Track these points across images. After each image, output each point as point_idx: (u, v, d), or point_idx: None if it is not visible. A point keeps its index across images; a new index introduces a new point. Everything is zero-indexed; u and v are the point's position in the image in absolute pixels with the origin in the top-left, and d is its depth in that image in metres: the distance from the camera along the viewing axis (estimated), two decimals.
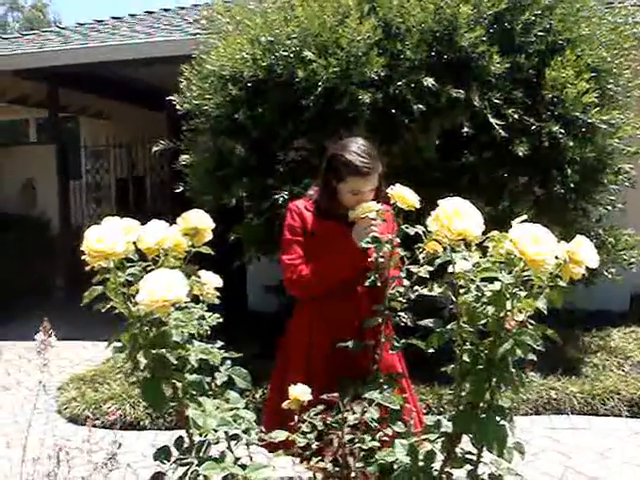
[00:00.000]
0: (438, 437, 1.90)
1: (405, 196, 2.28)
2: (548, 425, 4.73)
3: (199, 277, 1.97)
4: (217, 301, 2.22)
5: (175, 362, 1.78)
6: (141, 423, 4.87)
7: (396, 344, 2.47)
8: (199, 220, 2.00)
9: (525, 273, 1.71)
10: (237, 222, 5.24)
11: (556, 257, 1.70)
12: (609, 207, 5.39)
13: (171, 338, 1.72)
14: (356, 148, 2.69)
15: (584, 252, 1.71)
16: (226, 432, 2.02)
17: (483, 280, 1.78)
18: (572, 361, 5.48)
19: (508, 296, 1.72)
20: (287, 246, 2.78)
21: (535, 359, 1.78)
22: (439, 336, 1.89)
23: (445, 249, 1.84)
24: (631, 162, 5.37)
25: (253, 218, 5.09)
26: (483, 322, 1.78)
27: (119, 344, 1.86)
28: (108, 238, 1.60)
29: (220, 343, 2.12)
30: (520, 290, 1.74)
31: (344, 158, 2.67)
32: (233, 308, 6.98)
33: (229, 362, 2.22)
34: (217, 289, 2.25)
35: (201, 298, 2.15)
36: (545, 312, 1.72)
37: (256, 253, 5.45)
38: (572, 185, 4.83)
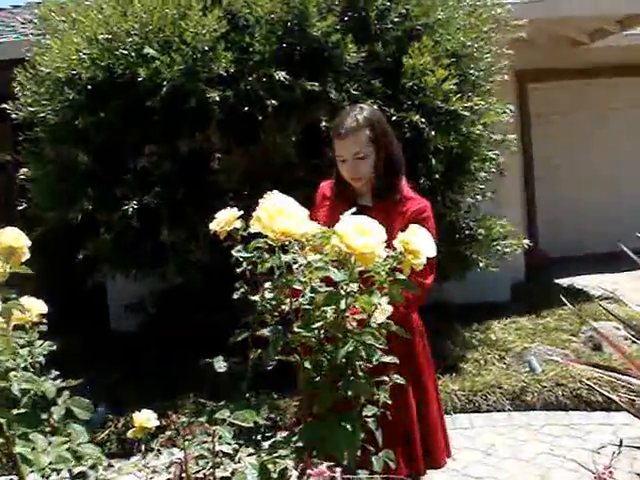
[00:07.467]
0: (291, 452, 1.69)
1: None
2: None
3: (17, 300, 1.73)
4: (44, 328, 1.94)
5: None
6: None
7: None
8: (13, 239, 1.76)
9: (361, 269, 1.60)
10: (90, 237, 4.80)
11: (394, 249, 1.63)
12: (478, 197, 5.25)
13: None
14: (345, 111, 2.62)
15: (418, 241, 1.64)
16: (69, 470, 1.78)
17: (323, 281, 1.65)
18: (452, 358, 5.31)
19: (343, 294, 1.60)
20: None
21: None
22: (275, 344, 1.69)
23: (274, 251, 1.64)
24: (499, 150, 5.24)
25: (104, 233, 4.67)
26: (318, 325, 1.63)
27: None
28: None
29: (55, 373, 1.87)
30: (360, 288, 1.62)
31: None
32: (93, 330, 6.55)
33: (67, 393, 1.90)
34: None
35: (27, 327, 1.90)
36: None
37: (110, 271, 5.04)
38: (437, 176, 4.65)
